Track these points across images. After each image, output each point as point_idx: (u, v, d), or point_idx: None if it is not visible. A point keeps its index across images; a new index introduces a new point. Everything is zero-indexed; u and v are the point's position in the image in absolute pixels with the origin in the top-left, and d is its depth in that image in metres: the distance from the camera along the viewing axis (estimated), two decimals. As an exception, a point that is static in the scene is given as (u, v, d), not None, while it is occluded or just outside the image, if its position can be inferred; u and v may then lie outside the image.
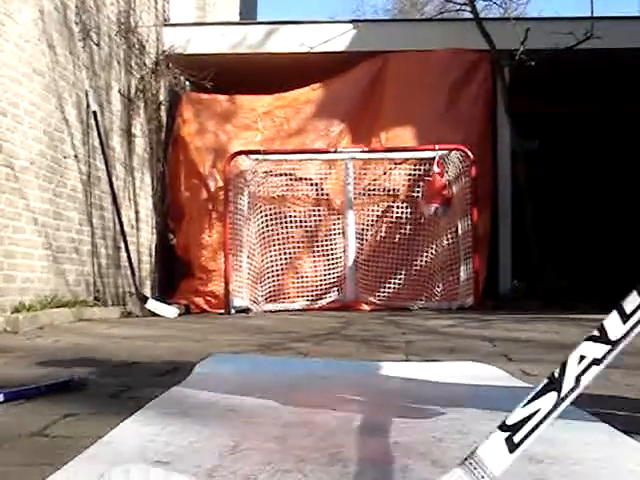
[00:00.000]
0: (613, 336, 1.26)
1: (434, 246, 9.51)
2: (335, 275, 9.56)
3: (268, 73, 10.26)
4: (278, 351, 4.12)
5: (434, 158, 9.28)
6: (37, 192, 6.58)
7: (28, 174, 6.41)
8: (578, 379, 1.28)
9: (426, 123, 9.87)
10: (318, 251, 9.64)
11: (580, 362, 1.28)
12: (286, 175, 9.81)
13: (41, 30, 6.79)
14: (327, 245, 9.62)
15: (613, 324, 1.26)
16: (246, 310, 8.78)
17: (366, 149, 9.68)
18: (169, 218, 10.28)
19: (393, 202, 9.75)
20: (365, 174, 9.80)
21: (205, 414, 2.24)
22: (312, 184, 9.84)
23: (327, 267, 9.59)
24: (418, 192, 9.57)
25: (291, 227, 9.57)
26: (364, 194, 9.77)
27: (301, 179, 9.83)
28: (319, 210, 9.73)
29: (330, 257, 9.60)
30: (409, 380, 2.92)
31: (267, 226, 9.46)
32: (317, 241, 9.67)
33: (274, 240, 9.48)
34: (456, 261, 9.24)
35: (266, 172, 9.68)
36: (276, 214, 9.55)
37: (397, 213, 9.70)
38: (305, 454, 1.75)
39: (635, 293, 1.27)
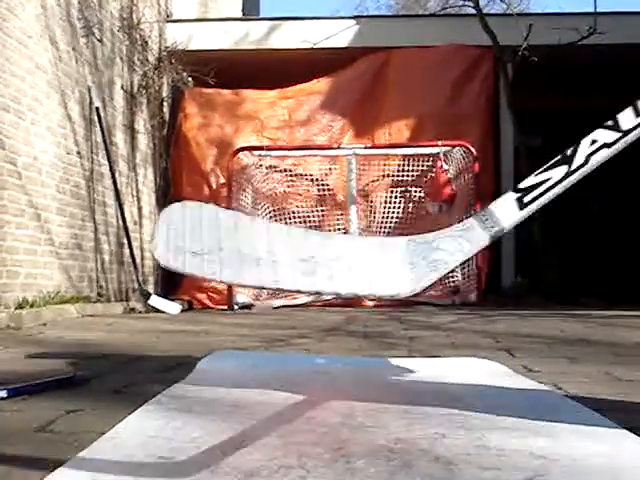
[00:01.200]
0: (625, 126, 1.40)
1: (437, 242, 9.50)
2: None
3: (271, 69, 10.25)
4: (281, 347, 4.12)
5: (437, 154, 9.28)
6: (40, 188, 6.58)
7: (31, 170, 6.41)
8: (588, 158, 1.42)
9: (429, 119, 9.87)
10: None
11: (592, 144, 1.43)
12: (289, 171, 9.82)
13: (44, 26, 6.79)
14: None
15: (626, 116, 1.41)
16: (249, 306, 8.79)
17: (369, 145, 9.68)
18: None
19: (396, 198, 9.75)
20: (368, 170, 9.79)
21: (208, 410, 2.24)
22: (315, 180, 9.85)
23: (330, 263, 9.57)
24: (421, 188, 9.57)
25: (294, 223, 9.57)
26: (367, 190, 9.77)
27: (304, 175, 9.84)
28: (322, 206, 9.73)
29: (333, 253, 9.58)
30: (412, 376, 2.92)
31: (270, 221, 9.45)
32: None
33: (277, 236, 9.47)
34: (459, 257, 9.22)
35: (269, 168, 9.68)
36: (279, 210, 9.55)
37: (400, 209, 9.69)
38: (308, 450, 1.75)
39: None
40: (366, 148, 9.63)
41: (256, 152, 9.46)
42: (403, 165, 9.75)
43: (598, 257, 11.47)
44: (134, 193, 9.14)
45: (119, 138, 8.73)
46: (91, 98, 7.78)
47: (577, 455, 1.70)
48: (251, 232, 1.30)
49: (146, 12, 9.64)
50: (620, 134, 1.38)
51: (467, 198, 9.19)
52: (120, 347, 4.04)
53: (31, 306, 5.94)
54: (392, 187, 9.81)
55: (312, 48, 10.39)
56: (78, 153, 7.49)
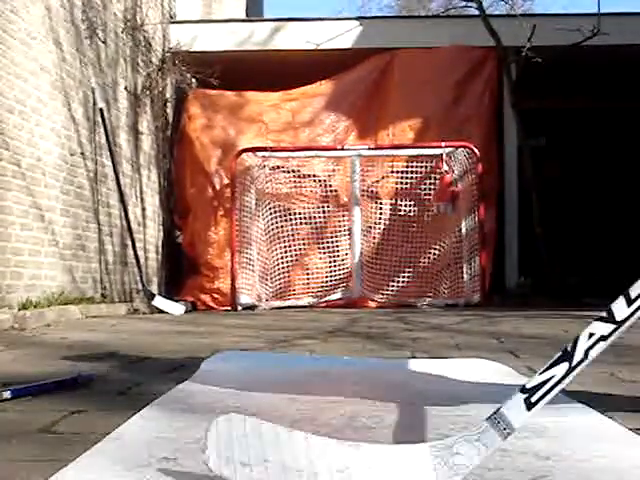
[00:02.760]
0: (619, 317, 1.51)
1: (441, 243, 9.51)
2: (342, 272, 9.56)
3: (274, 70, 10.26)
4: (285, 348, 4.12)
5: (440, 155, 9.28)
6: (44, 189, 6.59)
7: (35, 171, 6.42)
8: (587, 352, 1.51)
9: (432, 120, 9.87)
10: (324, 248, 9.63)
11: (589, 338, 1.52)
12: (292, 172, 9.81)
13: (48, 27, 6.80)
14: (333, 242, 9.62)
15: (619, 307, 1.52)
16: (252, 307, 8.79)
17: (372, 146, 9.68)
18: (176, 215, 10.30)
19: (400, 199, 9.75)
20: (371, 171, 9.79)
21: (212, 411, 2.24)
22: (318, 181, 9.84)
23: (334, 264, 9.59)
24: (424, 189, 9.57)
25: (297, 224, 9.57)
26: (371, 191, 9.76)
27: (307, 176, 9.83)
28: (325, 207, 9.73)
29: (337, 254, 9.60)
30: (415, 377, 2.92)
31: (274, 223, 9.46)
32: (323, 238, 9.67)
33: (281, 237, 9.49)
34: (463, 257, 9.23)
35: (272, 169, 9.68)
36: (282, 211, 9.55)
37: (403, 210, 9.69)
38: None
39: None
40: (370, 149, 9.63)
41: (260, 153, 9.46)
42: (407, 166, 9.74)
43: (603, 257, 11.45)
44: (138, 194, 9.15)
45: (123, 139, 8.73)
46: (95, 99, 7.79)
47: (581, 456, 1.70)
48: (290, 444, 1.47)
49: (150, 13, 9.65)
50: (615, 325, 1.51)
51: (471, 198, 9.19)
52: (124, 348, 4.04)
53: (35, 307, 5.95)
54: (396, 188, 9.80)
55: (315, 49, 10.39)
56: (82, 154, 7.49)
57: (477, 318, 6.48)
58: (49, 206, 6.69)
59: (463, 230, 9.30)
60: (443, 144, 9.23)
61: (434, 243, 9.53)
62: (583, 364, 1.50)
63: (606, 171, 12.22)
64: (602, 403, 2.30)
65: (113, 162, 7.95)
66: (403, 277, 9.49)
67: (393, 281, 9.46)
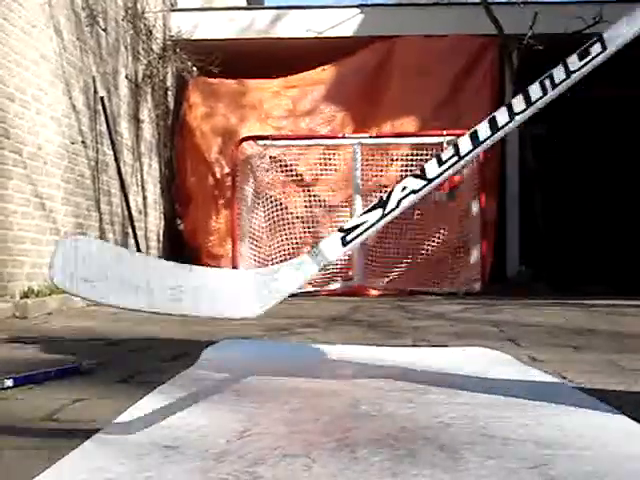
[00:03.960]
0: (430, 175, 1.73)
1: (441, 231, 9.50)
2: (343, 260, 9.55)
3: (275, 58, 10.24)
4: (286, 336, 4.13)
5: (441, 143, 9.26)
6: (45, 178, 6.59)
7: (36, 160, 6.42)
8: (399, 202, 1.72)
9: (433, 108, 9.85)
10: (325, 236, 9.63)
11: (402, 190, 1.73)
12: (293, 160, 9.80)
13: (48, 15, 6.78)
14: (334, 230, 9.61)
15: (431, 167, 1.75)
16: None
17: (374, 134, 9.67)
18: (177, 203, 10.30)
19: (401, 187, 9.73)
20: (373, 159, 9.78)
21: (213, 399, 2.25)
22: (319, 169, 9.83)
23: (334, 253, 9.58)
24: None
25: (298, 212, 9.56)
26: (372, 179, 9.75)
27: (308, 164, 9.82)
28: (327, 195, 9.72)
29: (337, 243, 9.58)
30: (417, 365, 2.93)
31: (274, 211, 9.45)
32: (324, 226, 9.66)
33: (281, 225, 9.48)
34: (463, 246, 9.23)
35: (273, 157, 9.67)
36: (283, 199, 9.54)
37: (405, 198, 9.68)
38: (313, 439, 1.76)
39: (451, 148, 1.83)
40: (371, 137, 9.62)
41: (260, 142, 9.44)
42: (408, 154, 9.73)
43: (603, 246, 11.45)
44: (139, 182, 9.14)
45: (124, 128, 8.72)
46: (96, 87, 7.78)
47: (582, 444, 1.71)
48: (131, 264, 1.60)
49: (150, 1, 9.62)
50: (425, 182, 1.70)
51: (472, 187, 9.18)
52: (125, 336, 4.05)
53: (37, 295, 5.95)
54: (397, 176, 9.79)
55: (317, 37, 10.37)
56: (83, 143, 7.49)
57: (478, 306, 6.49)
58: (50, 194, 6.69)
59: (464, 219, 9.29)
60: (444, 132, 9.22)
61: (435, 232, 9.53)
62: (394, 212, 1.69)
63: (608, 160, 12.21)
64: (603, 391, 2.30)
65: (114, 150, 7.95)
66: (404, 266, 9.49)
67: (394, 270, 9.46)
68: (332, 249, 1.69)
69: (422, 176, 1.68)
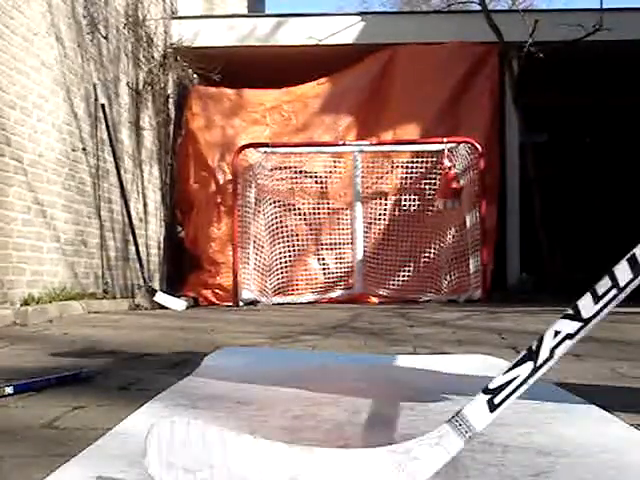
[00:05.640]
0: (585, 314, 1.45)
1: (442, 239, 9.51)
2: (343, 268, 9.56)
3: (276, 66, 10.25)
4: (286, 344, 4.12)
5: (442, 151, 9.27)
6: (46, 185, 6.59)
7: (36, 167, 6.42)
8: (552, 351, 1.44)
9: (434, 115, 9.86)
10: (326, 244, 9.64)
11: (555, 336, 1.46)
12: (294, 168, 9.81)
13: (49, 23, 6.79)
14: (335, 238, 9.62)
15: (586, 304, 1.46)
16: (254, 303, 8.80)
17: (374, 142, 9.67)
18: (178, 211, 10.30)
19: (401, 195, 9.74)
20: (373, 167, 9.79)
21: (214, 406, 2.24)
22: (320, 177, 9.83)
23: (335, 260, 9.59)
24: (426, 185, 9.56)
25: (299, 220, 9.57)
26: (372, 187, 9.76)
27: (309, 172, 9.83)
28: (327, 203, 9.73)
29: (338, 250, 9.60)
30: (417, 373, 2.93)
31: (275, 219, 9.46)
32: (325, 234, 9.67)
33: (283, 233, 9.49)
34: (464, 253, 9.23)
35: (274, 165, 9.68)
36: (284, 207, 9.55)
37: (405, 206, 9.69)
38: (313, 446, 1.75)
39: (607, 278, 1.51)
40: (372, 145, 9.63)
41: (261, 149, 9.46)
42: (409, 162, 9.74)
43: (603, 254, 11.45)
44: (139, 190, 9.14)
45: (125, 135, 8.73)
46: (96, 95, 7.78)
47: (582, 452, 1.70)
48: (238, 449, 1.38)
49: (151, 9, 9.64)
50: (581, 323, 1.43)
51: (472, 194, 9.18)
52: (126, 344, 4.04)
53: (37, 302, 5.95)
54: (397, 184, 9.80)
55: (318, 44, 10.38)
56: (84, 150, 7.49)
57: (479, 314, 6.48)
58: (51, 202, 6.69)
59: (464, 226, 9.29)
60: (445, 140, 9.22)
61: (436, 239, 9.53)
62: (549, 363, 1.44)
63: (608, 167, 12.21)
64: (603, 399, 2.29)
65: (115, 158, 7.95)
66: (405, 273, 9.49)
67: (395, 277, 9.47)
68: (478, 416, 1.40)
69: (576, 317, 1.44)
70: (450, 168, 9.13)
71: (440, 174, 9.27)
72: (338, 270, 9.57)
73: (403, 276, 9.48)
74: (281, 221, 9.49)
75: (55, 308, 5.88)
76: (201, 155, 10.01)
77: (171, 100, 10.31)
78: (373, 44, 10.23)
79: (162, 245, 9.86)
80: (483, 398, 1.42)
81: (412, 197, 9.68)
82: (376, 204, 9.74)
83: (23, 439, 1.87)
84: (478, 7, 10.48)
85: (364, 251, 9.54)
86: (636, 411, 2.16)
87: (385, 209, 9.75)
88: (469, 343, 4.15)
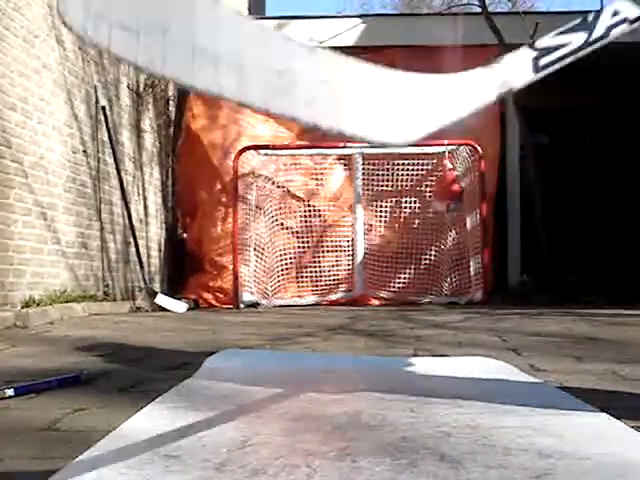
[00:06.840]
0: None
1: (443, 241, 9.51)
2: (344, 270, 9.55)
3: (277, 68, 10.24)
4: (287, 346, 4.12)
5: (443, 153, 9.27)
6: (46, 187, 6.59)
7: (37, 169, 6.42)
8: (609, 30, 1.32)
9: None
10: (327, 246, 9.63)
11: (614, 16, 1.34)
12: (295, 169, 9.81)
13: (50, 25, 6.80)
14: (336, 240, 9.62)
15: None
16: (255, 305, 8.79)
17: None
18: (179, 213, 10.30)
19: (402, 197, 9.74)
20: (374, 169, 9.78)
21: (214, 408, 2.24)
22: (321, 179, 9.83)
23: (336, 262, 9.59)
24: (427, 187, 9.56)
25: (300, 222, 9.57)
26: (373, 189, 9.76)
27: (310, 174, 9.83)
28: (328, 205, 9.73)
29: (339, 252, 9.59)
30: (418, 375, 2.93)
31: (276, 221, 9.46)
32: (326, 236, 9.67)
33: (283, 235, 9.49)
34: (465, 256, 9.23)
35: (276, 167, 9.68)
36: (285, 209, 9.55)
37: (406, 208, 9.69)
38: (314, 448, 1.76)
39: None
40: (373, 147, 9.62)
41: (262, 151, 9.46)
42: (409, 164, 9.74)
43: (604, 256, 11.44)
44: (140, 192, 9.14)
45: (125, 137, 8.73)
46: (97, 97, 7.79)
47: (583, 454, 1.70)
48: (213, 18, 0.93)
49: (152, 11, 9.64)
50: None
51: (473, 196, 9.18)
52: (126, 346, 4.04)
53: (38, 305, 5.95)
54: (398, 185, 9.80)
55: (319, 47, 10.38)
56: (84, 152, 7.49)
57: (479, 316, 6.48)
58: (52, 204, 6.69)
59: (465, 228, 9.29)
60: (445, 142, 9.22)
61: (436, 241, 9.53)
62: (602, 41, 1.30)
63: (609, 169, 12.21)
64: (605, 401, 2.29)
65: (115, 160, 7.95)
66: (405, 275, 9.49)
67: (395, 279, 9.46)
68: (520, 72, 1.24)
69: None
70: (451, 170, 9.14)
71: (441, 176, 9.27)
72: (339, 272, 9.56)
73: (404, 278, 9.47)
74: (282, 223, 9.49)
75: (56, 310, 5.88)
76: (202, 157, 10.01)
77: (172, 102, 10.31)
78: (374, 46, 10.23)
79: (163, 247, 9.86)
80: (529, 55, 1.30)
81: (413, 199, 9.68)
82: (377, 206, 9.74)
83: (24, 441, 1.87)
84: (478, 9, 10.48)
85: (365, 253, 9.54)
86: (637, 413, 2.16)
87: (386, 211, 9.74)
88: (470, 345, 4.15)
